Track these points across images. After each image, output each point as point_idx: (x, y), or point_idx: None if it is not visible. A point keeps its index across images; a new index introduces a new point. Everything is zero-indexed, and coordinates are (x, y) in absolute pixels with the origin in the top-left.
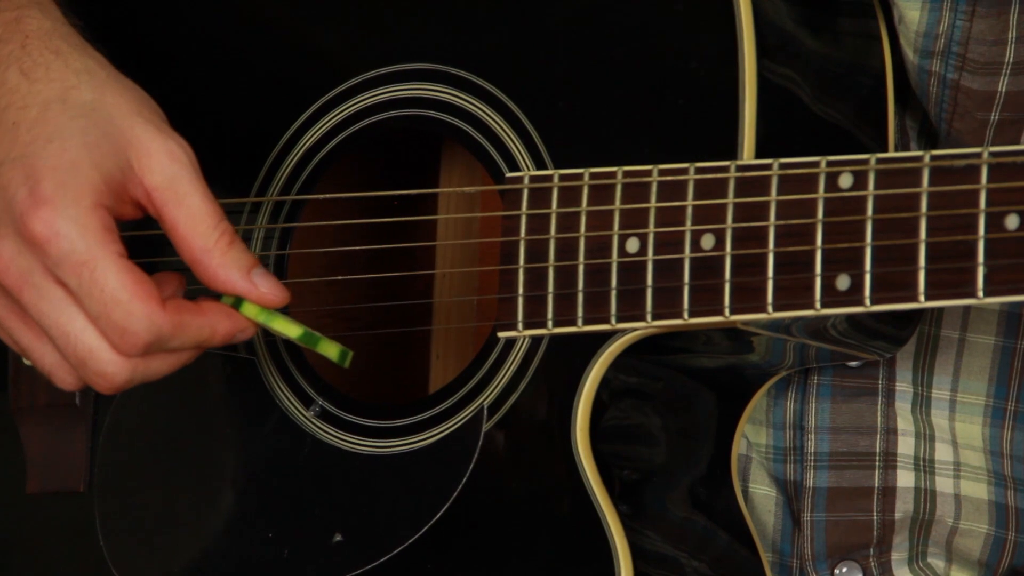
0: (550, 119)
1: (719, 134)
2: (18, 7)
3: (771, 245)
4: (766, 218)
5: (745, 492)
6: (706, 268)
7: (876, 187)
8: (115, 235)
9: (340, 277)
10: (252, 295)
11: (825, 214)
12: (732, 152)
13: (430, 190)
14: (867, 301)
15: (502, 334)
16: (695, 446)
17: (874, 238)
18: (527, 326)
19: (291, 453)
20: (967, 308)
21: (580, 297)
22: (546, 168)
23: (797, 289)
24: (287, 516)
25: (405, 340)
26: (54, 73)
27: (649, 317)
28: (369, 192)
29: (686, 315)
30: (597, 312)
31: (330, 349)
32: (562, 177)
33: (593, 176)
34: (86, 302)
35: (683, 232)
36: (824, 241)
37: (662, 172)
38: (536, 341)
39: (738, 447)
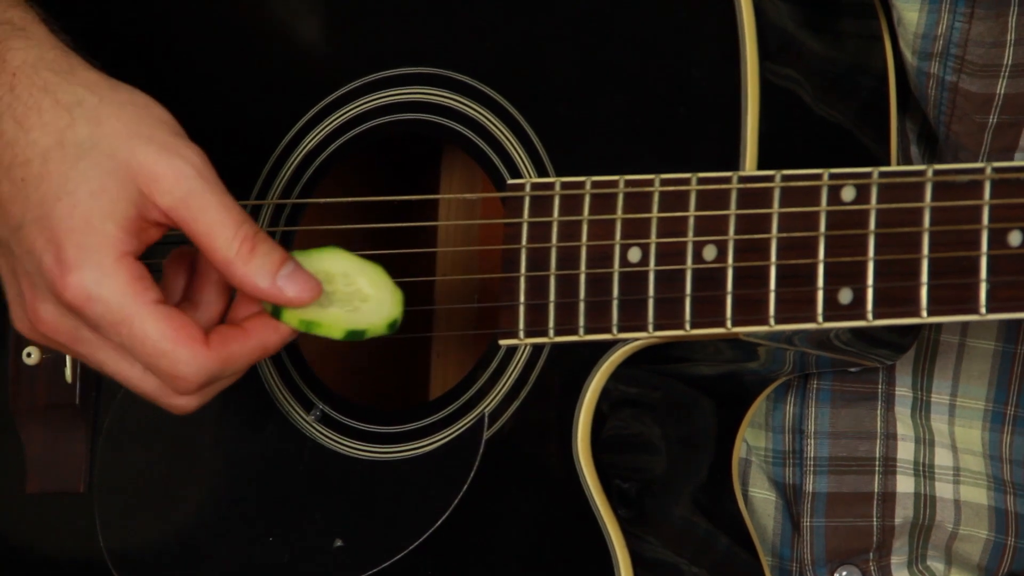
0: (552, 125)
1: (722, 140)
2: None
3: (773, 257)
4: (768, 230)
5: (745, 496)
6: (708, 279)
7: (879, 201)
8: (146, 282)
9: None
10: (280, 301)
11: (827, 227)
12: (735, 159)
13: (431, 196)
14: (869, 315)
15: (503, 342)
16: (696, 454)
17: (876, 252)
18: (528, 334)
19: (291, 457)
20: None
21: (582, 306)
22: (548, 174)
23: (799, 302)
24: (287, 520)
25: (406, 346)
26: (47, 116)
27: (651, 328)
28: (369, 197)
29: (688, 326)
30: (599, 321)
31: (379, 329)
32: (564, 185)
33: (595, 185)
34: (134, 355)
35: (685, 243)
36: (826, 254)
37: (664, 182)
38: (537, 349)
39: (739, 452)
